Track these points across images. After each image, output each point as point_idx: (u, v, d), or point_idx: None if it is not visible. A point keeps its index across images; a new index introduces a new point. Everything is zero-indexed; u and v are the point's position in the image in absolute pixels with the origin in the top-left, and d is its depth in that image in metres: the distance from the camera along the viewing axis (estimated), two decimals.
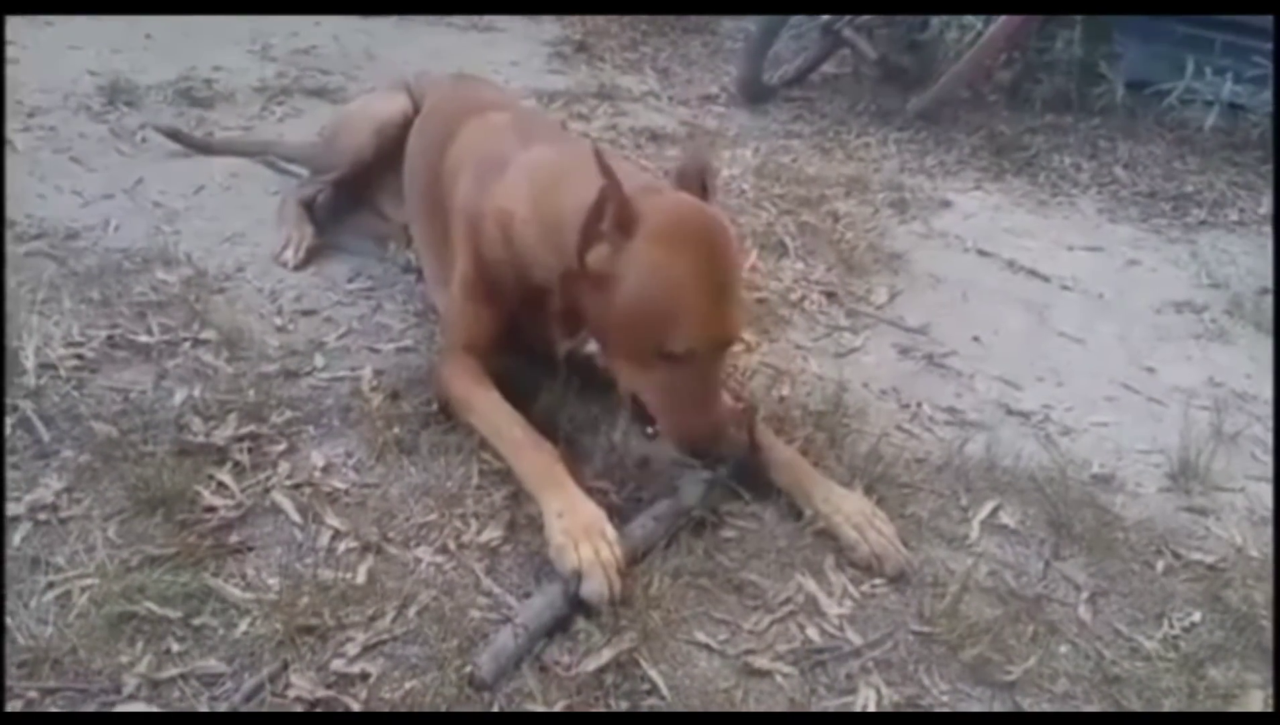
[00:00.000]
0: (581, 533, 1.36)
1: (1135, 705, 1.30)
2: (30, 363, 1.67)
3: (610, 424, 1.70)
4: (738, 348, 1.93)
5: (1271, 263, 2.73)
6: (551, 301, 1.59)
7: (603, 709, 1.21)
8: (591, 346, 1.65)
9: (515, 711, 1.18)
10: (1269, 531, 1.67)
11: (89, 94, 2.97)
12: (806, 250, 2.56)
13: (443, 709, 1.18)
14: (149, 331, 1.83)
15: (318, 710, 1.17)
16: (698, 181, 1.56)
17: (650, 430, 1.54)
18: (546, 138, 1.86)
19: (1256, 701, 1.30)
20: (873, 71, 4.00)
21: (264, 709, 1.16)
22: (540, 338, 1.70)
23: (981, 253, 2.72)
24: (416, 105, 2.26)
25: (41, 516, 1.39)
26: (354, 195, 2.37)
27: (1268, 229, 3.00)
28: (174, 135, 2.70)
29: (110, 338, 1.79)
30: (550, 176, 1.61)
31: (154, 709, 1.14)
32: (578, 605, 1.31)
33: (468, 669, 1.22)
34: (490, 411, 1.60)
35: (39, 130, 2.73)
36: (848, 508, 1.53)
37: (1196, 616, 1.45)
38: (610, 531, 1.38)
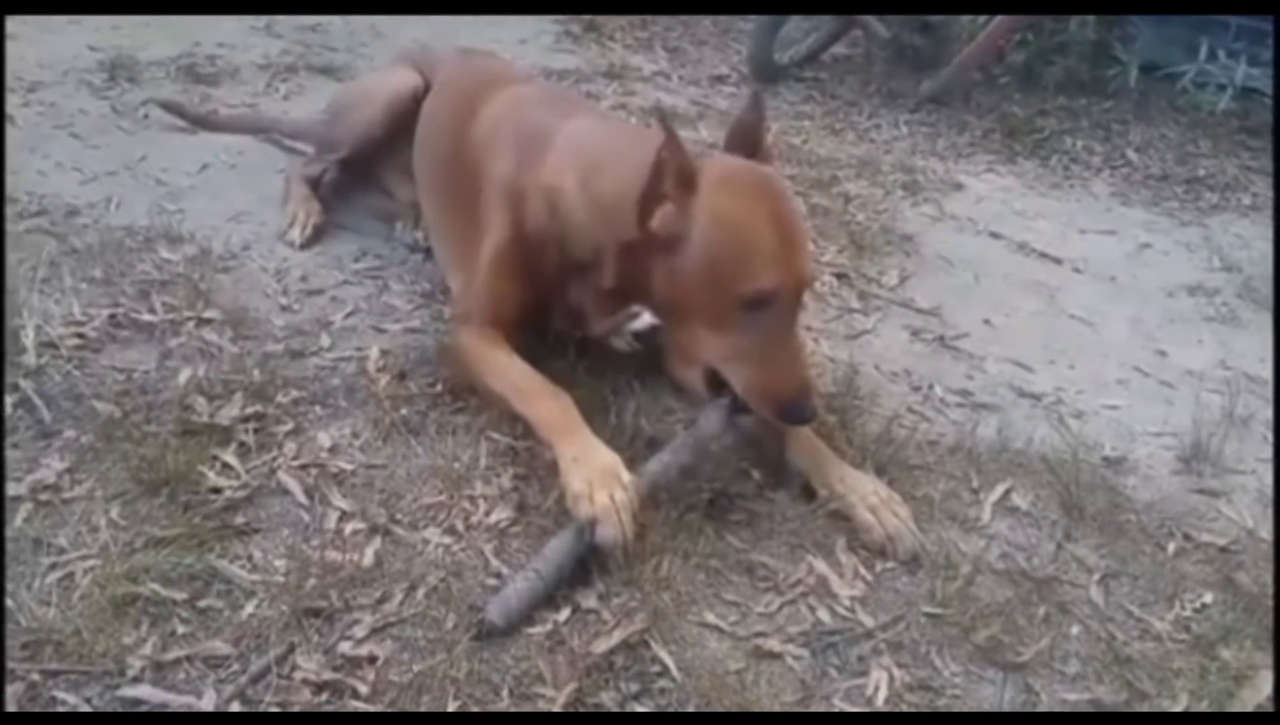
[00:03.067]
0: (597, 478, 1.35)
1: (1147, 686, 1.28)
2: (31, 342, 1.65)
3: (620, 405, 1.68)
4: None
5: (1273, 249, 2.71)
6: (592, 278, 1.58)
7: (614, 691, 1.20)
8: (635, 325, 1.64)
9: (517, 711, 1.16)
10: None
11: (90, 70, 2.94)
12: (818, 232, 2.53)
13: (451, 691, 1.17)
14: (152, 310, 1.81)
15: (325, 693, 1.15)
16: (751, 139, 1.57)
17: (725, 404, 1.50)
18: (583, 110, 1.86)
19: (1267, 682, 1.29)
20: (884, 52, 3.95)
21: (270, 691, 1.14)
22: (569, 316, 1.70)
23: (993, 235, 2.69)
24: (425, 81, 2.24)
25: (43, 497, 1.37)
26: (360, 173, 2.34)
27: None
28: (176, 109, 2.67)
29: (113, 317, 1.77)
30: (599, 148, 1.60)
31: (159, 691, 1.12)
32: (593, 551, 1.32)
33: (480, 617, 1.24)
34: (505, 366, 1.60)
35: (39, 106, 2.70)
36: (863, 489, 1.51)
37: (1208, 598, 1.44)
38: (625, 475, 1.38)
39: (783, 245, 1.42)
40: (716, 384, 1.52)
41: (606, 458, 1.40)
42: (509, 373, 1.59)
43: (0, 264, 1.85)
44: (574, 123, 1.70)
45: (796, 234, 1.47)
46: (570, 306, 1.70)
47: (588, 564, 1.34)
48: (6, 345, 1.63)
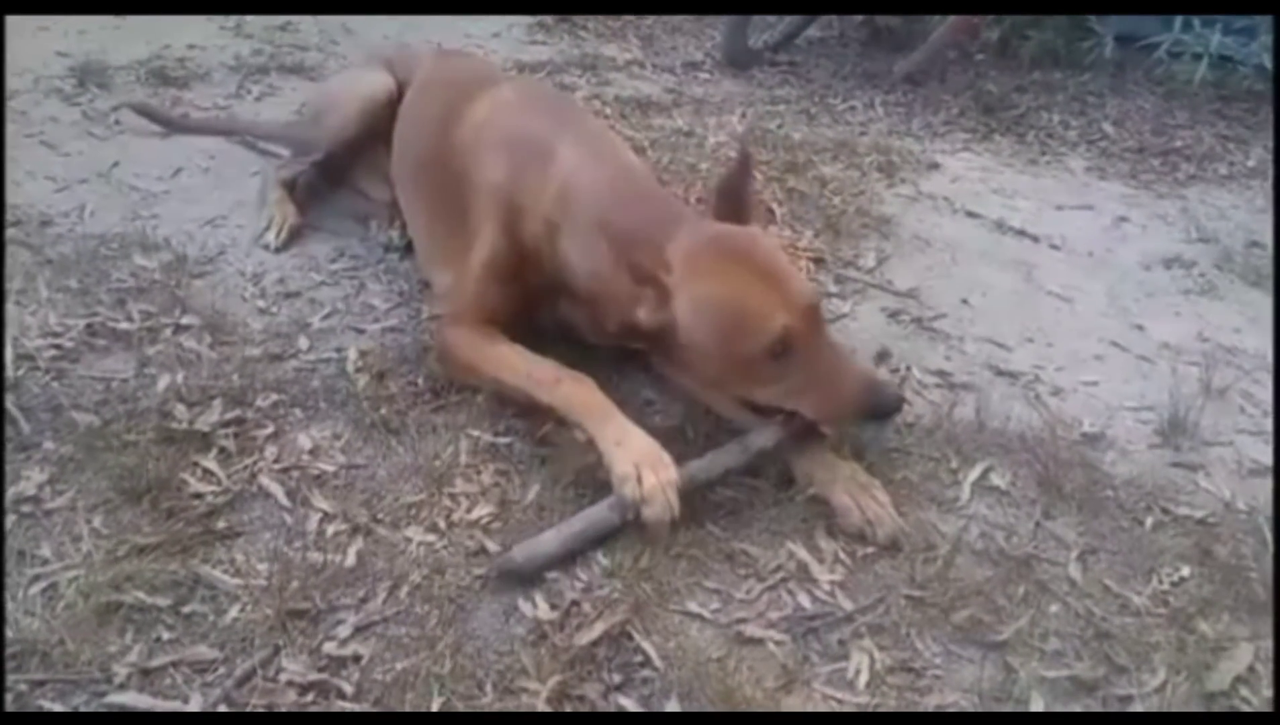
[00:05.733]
0: (643, 460, 1.40)
1: (1125, 660, 1.30)
2: (8, 354, 1.65)
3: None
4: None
5: (1263, 216, 2.72)
6: (589, 306, 1.61)
7: (597, 682, 1.21)
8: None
9: (513, 711, 1.18)
10: (1257, 484, 1.68)
11: (59, 76, 2.91)
12: (794, 216, 2.54)
13: (435, 688, 1.18)
14: (129, 318, 1.81)
15: (310, 694, 1.16)
16: (737, 200, 1.63)
17: (781, 420, 1.54)
18: (575, 117, 1.90)
19: (1245, 654, 1.31)
20: (859, 34, 3.95)
21: (256, 694, 1.15)
22: (560, 321, 1.73)
23: (970, 214, 2.70)
24: (399, 81, 2.23)
25: (25, 509, 1.38)
26: (335, 174, 2.34)
27: (1256, 182, 2.99)
28: (147, 112, 2.66)
29: (89, 326, 1.77)
30: (598, 200, 1.61)
31: (145, 697, 1.13)
32: (638, 527, 1.39)
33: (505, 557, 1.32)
34: (513, 358, 1.62)
35: (9, 114, 2.67)
36: (841, 475, 1.53)
37: (1186, 571, 1.45)
38: (667, 457, 1.42)
39: (770, 290, 1.46)
40: (769, 412, 1.55)
41: (647, 441, 1.44)
42: (520, 363, 1.61)
43: (0, 261, 1.82)
44: (577, 151, 1.70)
45: (780, 273, 1.50)
46: (563, 319, 1.72)
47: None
48: None
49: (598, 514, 1.40)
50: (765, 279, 1.47)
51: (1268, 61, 3.36)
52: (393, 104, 2.19)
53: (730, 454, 1.54)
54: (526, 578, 1.33)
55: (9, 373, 1.62)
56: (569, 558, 1.36)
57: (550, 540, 1.35)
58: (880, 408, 1.50)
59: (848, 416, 1.51)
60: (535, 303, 1.73)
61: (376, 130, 2.19)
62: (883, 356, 1.92)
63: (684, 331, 1.49)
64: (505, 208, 1.69)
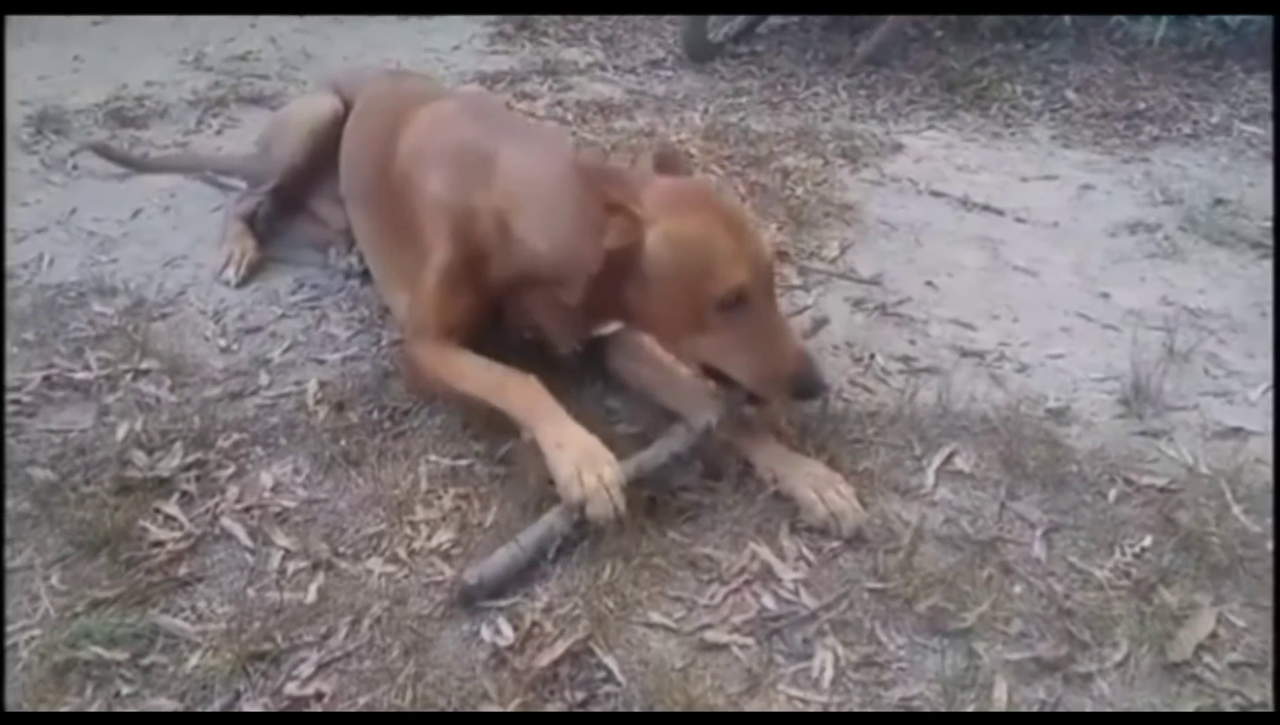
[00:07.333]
0: (585, 460, 1.41)
1: (1086, 636, 1.30)
2: None
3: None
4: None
5: (1227, 172, 2.71)
6: (551, 294, 1.60)
7: (560, 702, 1.22)
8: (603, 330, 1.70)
9: (513, 712, 1.18)
10: (1220, 447, 1.67)
11: (17, 125, 2.91)
12: (757, 211, 2.53)
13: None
14: (87, 367, 1.81)
15: None
16: (674, 164, 1.67)
17: (725, 396, 1.56)
18: (513, 124, 1.93)
19: (1208, 620, 1.30)
20: (820, 18, 3.93)
21: None
22: (527, 326, 1.72)
23: (935, 194, 2.70)
24: (346, 103, 2.23)
25: None
26: (291, 202, 2.33)
27: (1220, 139, 2.98)
28: (104, 152, 2.66)
29: (47, 378, 1.76)
30: (550, 179, 1.61)
31: None
32: (582, 527, 1.40)
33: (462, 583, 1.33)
34: (467, 368, 1.63)
35: None
36: (803, 470, 1.53)
37: (1148, 541, 1.45)
38: (609, 455, 1.43)
39: (737, 241, 1.48)
40: (713, 374, 1.56)
41: (589, 440, 1.45)
42: (473, 372, 1.62)
43: (1, 257, 1.80)
44: (518, 145, 1.71)
45: (746, 227, 1.52)
46: (527, 318, 1.71)
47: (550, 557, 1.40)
48: None
49: (547, 522, 1.40)
50: (733, 230, 1.49)
51: (1227, 17, 3.35)
52: (340, 125, 2.19)
53: (676, 438, 1.54)
54: (486, 597, 1.33)
55: None
56: (526, 570, 1.36)
57: (501, 558, 1.35)
58: (809, 386, 1.51)
59: (779, 388, 1.51)
60: (496, 309, 1.71)
61: (325, 154, 2.18)
62: (819, 323, 1.93)
63: (649, 261, 1.48)
64: (453, 218, 1.68)
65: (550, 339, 1.72)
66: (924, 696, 1.24)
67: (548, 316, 1.68)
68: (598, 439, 1.45)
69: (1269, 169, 2.77)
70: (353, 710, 1.19)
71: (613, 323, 1.68)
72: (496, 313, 1.73)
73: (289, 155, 2.25)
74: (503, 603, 1.34)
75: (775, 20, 4.06)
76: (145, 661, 1.24)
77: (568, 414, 1.50)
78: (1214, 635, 1.29)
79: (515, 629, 1.30)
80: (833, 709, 1.22)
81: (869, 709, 1.22)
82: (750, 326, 1.49)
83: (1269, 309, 2.10)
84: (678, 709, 1.20)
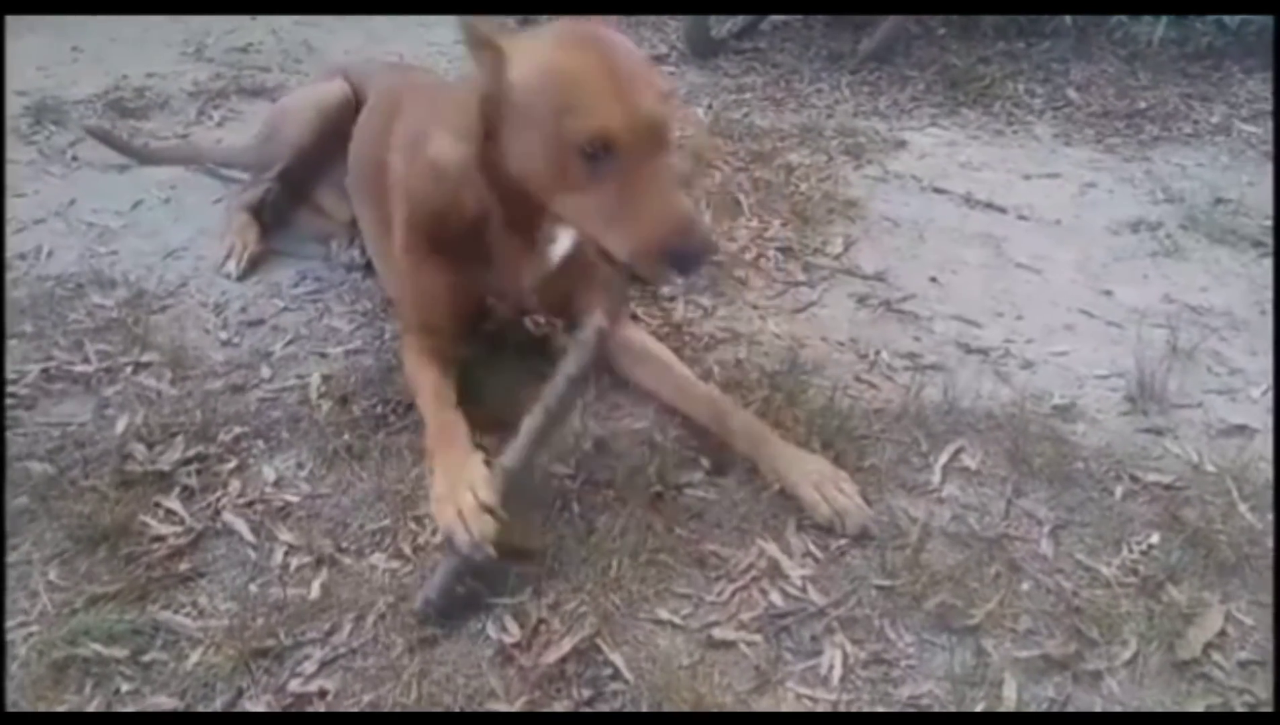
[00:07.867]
0: (452, 486, 1.35)
1: (1095, 634, 1.29)
2: None
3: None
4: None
5: (1228, 171, 2.71)
6: (497, 225, 1.54)
7: (566, 699, 1.21)
8: (558, 249, 1.60)
9: (519, 711, 1.17)
10: (1225, 444, 1.67)
11: (16, 115, 2.89)
12: (761, 207, 2.52)
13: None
14: (86, 360, 1.79)
15: None
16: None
17: (616, 277, 1.41)
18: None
19: (1216, 618, 1.30)
20: (824, 15, 3.92)
21: None
22: (500, 289, 1.68)
23: (938, 191, 2.69)
24: (355, 91, 2.21)
25: None
26: (297, 189, 2.31)
27: (1220, 138, 2.98)
28: (105, 137, 2.63)
29: (45, 371, 1.75)
30: (449, 100, 1.57)
31: None
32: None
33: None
34: (424, 382, 1.61)
35: None
36: (807, 468, 1.51)
37: (1155, 538, 1.45)
38: (478, 472, 1.36)
39: (611, 83, 1.31)
40: (596, 246, 1.41)
41: (461, 461, 1.40)
42: (426, 388, 1.60)
43: (0, 253, 1.79)
44: (430, 94, 1.70)
45: (629, 73, 1.34)
46: (496, 278, 1.66)
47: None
48: None
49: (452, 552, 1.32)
50: (611, 72, 1.32)
51: (1227, 17, 3.35)
52: (349, 111, 2.16)
53: (570, 360, 1.40)
54: (446, 614, 1.29)
55: None
56: (464, 597, 1.32)
57: (436, 580, 1.30)
58: (678, 258, 1.31)
59: (652, 256, 1.31)
60: (468, 273, 1.65)
61: (334, 141, 2.15)
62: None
63: (514, 94, 1.35)
64: (403, 187, 1.65)
65: (526, 303, 1.69)
66: (933, 694, 1.23)
67: (504, 258, 1.61)
68: (478, 458, 1.40)
69: (1269, 168, 2.77)
70: (357, 708, 1.18)
71: (558, 232, 1.57)
72: (472, 292, 1.69)
73: (297, 136, 2.23)
74: (507, 600, 1.33)
75: (778, 17, 4.05)
76: (145, 658, 1.23)
77: (470, 445, 1.45)
78: (1222, 633, 1.29)
79: (521, 626, 1.29)
80: (841, 707, 1.21)
81: (878, 707, 1.21)
82: (623, 187, 1.32)
83: (1269, 307, 2.10)
84: (685, 707, 1.19)
